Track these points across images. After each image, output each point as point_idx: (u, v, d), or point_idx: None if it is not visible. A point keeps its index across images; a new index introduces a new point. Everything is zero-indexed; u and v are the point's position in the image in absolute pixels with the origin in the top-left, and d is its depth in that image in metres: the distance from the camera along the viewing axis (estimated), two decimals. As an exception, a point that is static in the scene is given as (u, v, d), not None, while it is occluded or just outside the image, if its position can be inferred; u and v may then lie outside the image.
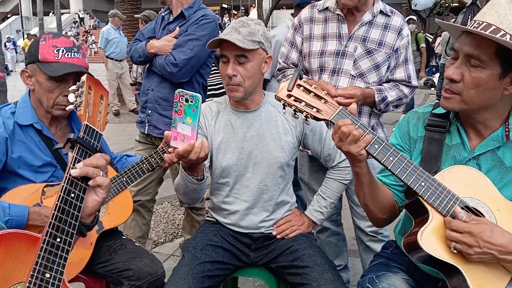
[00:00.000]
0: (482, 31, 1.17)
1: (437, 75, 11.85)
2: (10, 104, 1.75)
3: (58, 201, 1.04)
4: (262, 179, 1.77)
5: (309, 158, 2.29)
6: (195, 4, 2.54)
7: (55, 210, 1.03)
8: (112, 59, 8.04)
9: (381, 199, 1.39)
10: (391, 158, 1.21)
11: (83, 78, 1.16)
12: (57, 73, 1.59)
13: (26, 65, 1.72)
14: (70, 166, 1.06)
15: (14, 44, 23.29)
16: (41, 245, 1.01)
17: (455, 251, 1.16)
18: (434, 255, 1.17)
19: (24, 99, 1.74)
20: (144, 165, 1.95)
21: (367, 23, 2.07)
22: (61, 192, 1.05)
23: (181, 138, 1.30)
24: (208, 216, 1.96)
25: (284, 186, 1.83)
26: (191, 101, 1.27)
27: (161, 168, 2.63)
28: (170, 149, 2.00)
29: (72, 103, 1.15)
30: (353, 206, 2.31)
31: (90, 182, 1.08)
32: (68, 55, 1.65)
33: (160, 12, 2.75)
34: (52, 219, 1.03)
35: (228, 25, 1.73)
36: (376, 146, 1.21)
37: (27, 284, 0.99)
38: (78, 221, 1.07)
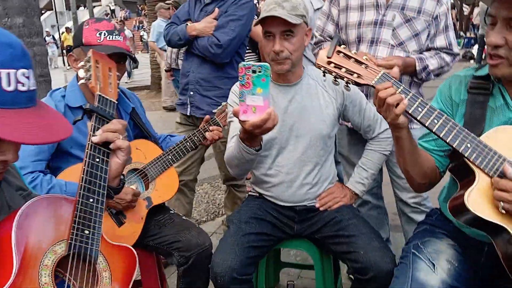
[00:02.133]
0: None
1: (476, 46, 11.40)
2: (60, 88, 1.85)
3: (85, 165, 1.13)
4: (304, 151, 1.79)
5: (348, 131, 2.29)
6: None
7: (83, 174, 1.12)
8: (165, 51, 7.92)
9: (422, 165, 1.39)
10: (436, 121, 1.21)
11: (89, 53, 1.22)
12: None
13: (72, 49, 1.81)
14: (90, 134, 1.15)
15: (54, 38, 23.90)
16: (77, 205, 1.10)
17: (503, 211, 1.16)
18: (481, 216, 1.17)
19: (72, 83, 1.83)
20: (188, 144, 2.02)
21: None
22: (86, 157, 1.14)
23: (251, 110, 1.32)
24: (251, 191, 2.01)
25: (326, 159, 1.85)
26: (259, 71, 1.28)
27: (202, 148, 2.70)
28: (211, 127, 2.06)
29: (83, 78, 1.22)
30: (394, 178, 2.30)
31: (111, 145, 1.16)
32: (109, 37, 1.72)
33: None
34: (82, 182, 1.12)
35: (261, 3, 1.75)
36: (420, 109, 1.21)
37: (69, 241, 1.08)
38: (106, 182, 1.16)
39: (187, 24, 2.58)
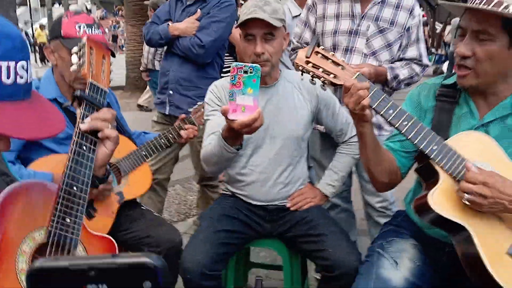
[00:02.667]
0: (485, 7, 1.21)
1: (446, 63, 11.81)
2: (34, 79, 1.82)
3: (71, 153, 1.11)
4: (278, 151, 1.83)
5: (320, 136, 2.35)
6: None
7: (69, 161, 1.11)
8: None
9: (384, 162, 1.44)
10: (405, 123, 1.27)
11: (84, 39, 1.20)
12: None
13: (49, 41, 1.79)
14: (79, 121, 1.13)
15: (26, 34, 23.31)
16: (59, 193, 1.08)
17: (467, 202, 1.21)
18: (443, 215, 1.23)
19: (47, 75, 1.82)
20: (162, 141, 2.03)
21: (379, 2, 2.12)
22: (73, 145, 1.12)
23: (241, 109, 1.34)
24: (223, 190, 2.03)
25: (299, 160, 1.90)
26: (251, 72, 1.31)
27: (177, 148, 2.70)
28: (187, 126, 2.08)
29: (75, 63, 1.20)
30: (363, 183, 2.36)
31: (99, 134, 1.14)
32: (88, 31, 1.72)
33: None
34: (67, 170, 1.10)
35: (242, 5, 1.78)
36: (391, 111, 1.27)
37: (49, 228, 1.06)
38: (92, 171, 1.14)
39: (168, 24, 2.59)
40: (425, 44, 2.23)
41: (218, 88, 1.86)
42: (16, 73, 0.87)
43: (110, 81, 1.28)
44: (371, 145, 1.38)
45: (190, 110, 2.15)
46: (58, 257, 0.36)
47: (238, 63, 1.33)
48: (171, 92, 2.65)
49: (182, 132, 2.06)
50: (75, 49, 1.21)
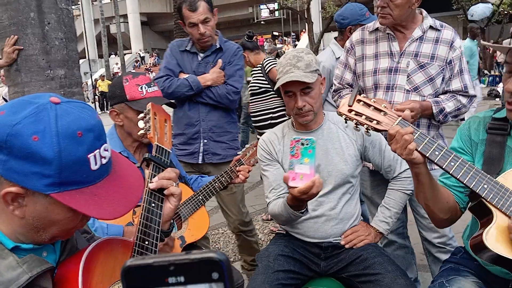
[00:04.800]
0: None
1: (501, 84, 11.34)
2: None
3: (143, 210, 1.22)
4: (330, 189, 1.88)
5: (370, 173, 2.36)
6: (222, 37, 2.79)
7: (141, 218, 1.21)
8: None
9: (442, 199, 1.45)
10: (452, 163, 1.29)
11: (149, 106, 1.33)
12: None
13: (112, 105, 1.94)
14: (148, 181, 1.24)
15: (86, 84, 25.02)
16: (134, 247, 1.18)
17: None
18: (500, 253, 1.22)
19: (111, 132, 1.98)
20: (216, 184, 2.14)
21: (417, 39, 2.15)
22: (144, 203, 1.23)
23: (299, 177, 1.48)
24: (278, 230, 2.08)
25: (351, 197, 1.93)
26: (307, 144, 1.44)
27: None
28: (238, 168, 2.18)
29: (143, 128, 1.33)
30: (418, 218, 2.33)
31: (165, 192, 1.24)
32: (150, 90, 1.89)
33: (173, 47, 2.81)
34: (140, 225, 1.20)
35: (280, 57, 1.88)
36: (437, 153, 1.29)
37: None
38: (160, 225, 1.24)
39: (195, 76, 2.68)
40: (469, 74, 2.21)
41: (265, 142, 1.98)
42: (100, 157, 0.95)
43: (172, 142, 1.40)
44: (427, 183, 1.39)
45: (239, 153, 2.26)
46: (144, 256, 0.46)
47: (296, 136, 1.46)
48: (205, 141, 2.73)
49: (238, 178, 2.16)
50: (141, 115, 1.34)
